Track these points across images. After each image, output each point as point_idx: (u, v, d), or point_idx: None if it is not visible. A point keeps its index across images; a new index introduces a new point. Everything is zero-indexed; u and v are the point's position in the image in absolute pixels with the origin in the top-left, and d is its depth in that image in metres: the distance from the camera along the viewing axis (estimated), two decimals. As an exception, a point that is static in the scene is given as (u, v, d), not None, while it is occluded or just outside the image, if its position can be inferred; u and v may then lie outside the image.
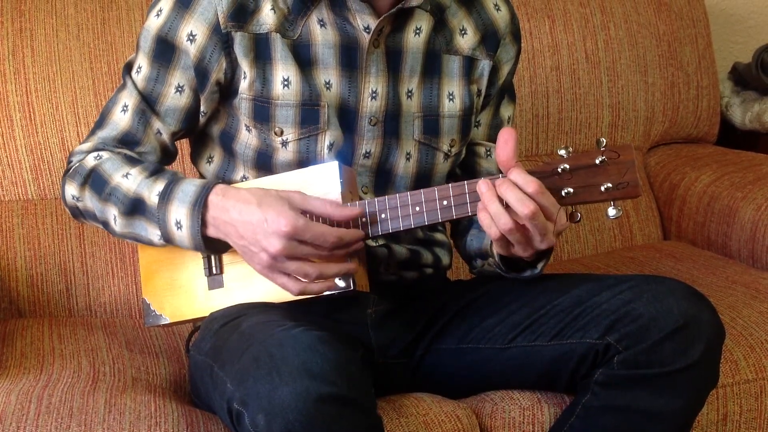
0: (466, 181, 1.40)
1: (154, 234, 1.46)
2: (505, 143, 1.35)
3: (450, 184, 1.41)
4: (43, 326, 1.79)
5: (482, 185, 1.36)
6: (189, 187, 1.43)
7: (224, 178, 1.56)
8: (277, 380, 1.23)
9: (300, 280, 1.41)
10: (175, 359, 1.69)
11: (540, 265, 1.48)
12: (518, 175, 1.34)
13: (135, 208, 1.46)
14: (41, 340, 1.71)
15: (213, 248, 1.45)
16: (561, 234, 1.38)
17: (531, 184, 1.33)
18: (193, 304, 1.52)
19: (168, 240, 1.45)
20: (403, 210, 1.42)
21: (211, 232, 1.43)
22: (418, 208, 1.42)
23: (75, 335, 1.74)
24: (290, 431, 1.21)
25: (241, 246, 1.41)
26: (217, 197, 1.42)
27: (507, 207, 1.35)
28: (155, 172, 1.47)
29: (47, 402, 1.45)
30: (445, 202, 1.41)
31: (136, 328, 1.82)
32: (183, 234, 1.43)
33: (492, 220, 1.35)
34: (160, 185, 1.45)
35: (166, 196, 1.43)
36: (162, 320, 1.54)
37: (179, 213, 1.42)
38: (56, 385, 1.51)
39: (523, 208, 1.33)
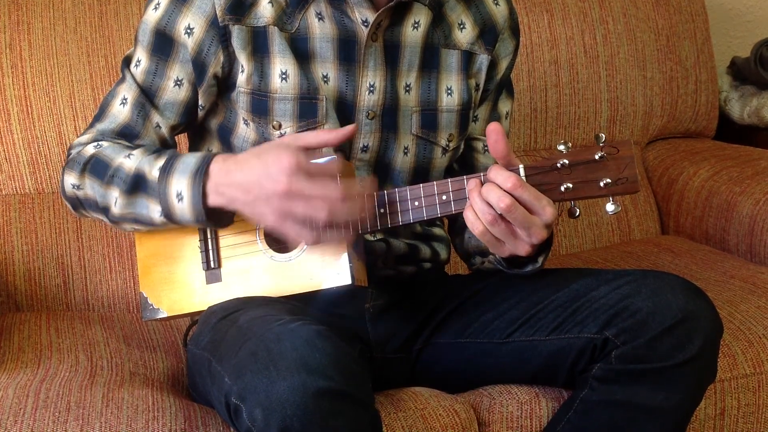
0: (465, 176, 1.40)
1: (155, 210, 1.45)
2: (496, 142, 1.35)
3: (449, 179, 1.41)
4: (40, 320, 1.79)
5: (470, 182, 1.36)
6: (190, 159, 1.43)
7: (222, 172, 1.56)
8: (274, 374, 1.22)
9: (313, 229, 1.38)
10: (173, 353, 1.69)
11: (540, 259, 1.48)
12: (496, 174, 1.35)
13: (136, 185, 1.45)
14: (39, 334, 1.71)
15: (214, 220, 1.44)
16: (553, 227, 1.38)
17: (508, 180, 1.33)
18: (190, 298, 1.52)
19: (169, 215, 1.44)
20: (402, 205, 1.42)
21: (213, 199, 1.41)
22: (417, 203, 1.42)
23: (72, 329, 1.74)
24: (288, 426, 1.21)
25: (250, 202, 1.38)
26: (217, 164, 1.41)
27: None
28: (157, 151, 1.47)
29: (45, 396, 1.44)
30: (444, 197, 1.41)
31: (133, 322, 1.82)
32: (184, 206, 1.42)
33: (477, 216, 1.35)
34: (161, 161, 1.44)
35: (167, 169, 1.43)
36: (159, 314, 1.54)
37: (180, 184, 1.42)
38: (54, 379, 1.51)
39: (499, 202, 1.33)
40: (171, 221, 1.45)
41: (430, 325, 1.58)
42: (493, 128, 1.35)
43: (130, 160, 1.46)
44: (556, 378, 1.52)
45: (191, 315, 1.55)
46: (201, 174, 1.40)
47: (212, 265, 1.50)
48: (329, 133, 1.39)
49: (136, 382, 1.53)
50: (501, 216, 1.34)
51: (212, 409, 1.44)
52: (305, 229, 1.37)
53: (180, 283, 1.52)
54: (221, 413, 1.37)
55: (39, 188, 1.94)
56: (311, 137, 1.39)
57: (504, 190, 1.33)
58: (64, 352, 1.63)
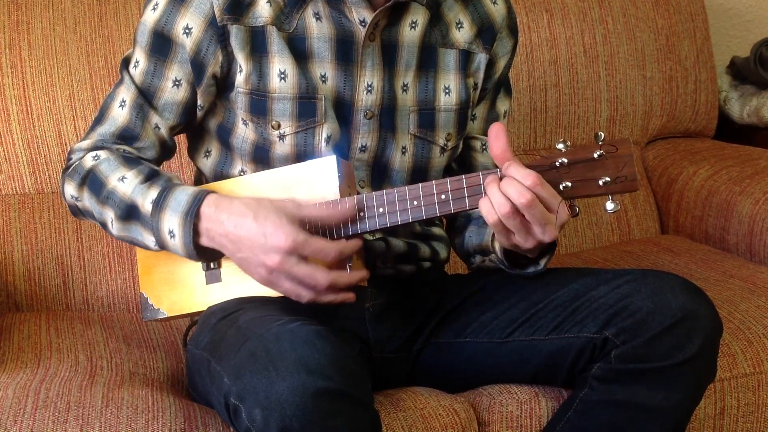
0: (464, 176, 1.40)
1: (149, 240, 1.46)
2: (497, 137, 1.36)
3: (448, 178, 1.41)
4: (40, 320, 1.79)
5: (488, 177, 1.37)
6: (181, 196, 1.43)
7: (222, 172, 1.56)
8: (273, 375, 1.22)
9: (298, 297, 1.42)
10: (173, 353, 1.69)
11: (543, 261, 1.48)
12: (516, 170, 1.35)
13: (130, 213, 1.46)
14: (38, 334, 1.71)
15: (206, 257, 1.46)
16: (563, 228, 1.38)
17: (529, 177, 1.33)
18: (190, 298, 1.52)
19: (162, 246, 1.46)
20: (401, 204, 1.42)
21: (205, 242, 1.43)
22: (416, 202, 1.42)
23: (72, 329, 1.74)
24: (287, 426, 1.21)
25: (238, 258, 1.42)
26: (209, 209, 1.41)
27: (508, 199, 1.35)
28: (150, 177, 1.47)
29: (44, 396, 1.44)
30: (443, 196, 1.41)
31: (133, 323, 1.82)
32: (176, 243, 1.43)
33: (492, 206, 1.35)
34: (153, 192, 1.45)
35: (159, 205, 1.43)
36: (160, 314, 1.54)
37: (172, 222, 1.42)
38: (53, 379, 1.51)
39: (520, 197, 1.33)
40: (166, 250, 1.46)
41: (429, 325, 1.58)
42: (497, 126, 1.36)
43: (123, 185, 1.46)
44: (556, 377, 1.52)
45: (191, 315, 1.55)
46: (192, 216, 1.41)
47: (212, 266, 1.50)
48: (332, 210, 1.40)
49: (135, 382, 1.53)
50: (517, 210, 1.34)
51: (212, 409, 1.44)
52: (291, 295, 1.41)
53: (180, 284, 1.53)
54: (221, 413, 1.37)
55: (39, 188, 1.94)
56: (313, 210, 1.40)
57: (525, 186, 1.33)
58: (64, 352, 1.63)
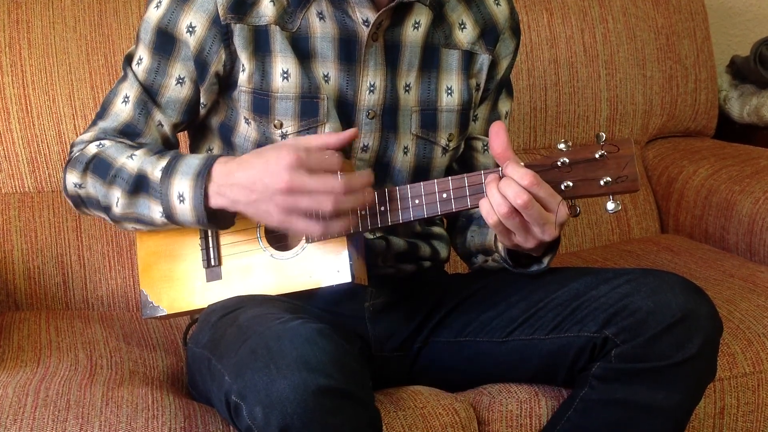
0: (465, 174, 1.40)
1: (156, 211, 1.45)
2: (497, 136, 1.36)
3: (449, 177, 1.41)
4: (40, 319, 1.79)
5: (489, 176, 1.37)
6: (193, 160, 1.43)
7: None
8: (274, 373, 1.23)
9: (319, 221, 1.37)
10: (173, 352, 1.69)
11: (546, 260, 1.48)
12: (514, 170, 1.35)
13: (138, 185, 1.45)
14: (38, 332, 1.71)
15: (215, 222, 1.44)
16: (563, 227, 1.38)
17: (526, 177, 1.34)
18: (191, 295, 1.52)
19: (170, 216, 1.44)
20: (403, 203, 1.42)
21: (216, 201, 1.41)
22: (417, 201, 1.42)
23: (72, 328, 1.74)
24: (288, 424, 1.21)
25: (252, 202, 1.38)
26: (220, 166, 1.41)
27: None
28: (160, 152, 1.47)
29: (44, 395, 1.44)
30: (444, 195, 1.41)
31: (133, 321, 1.82)
32: (185, 207, 1.42)
33: (492, 207, 1.35)
34: (163, 161, 1.44)
35: (169, 170, 1.43)
36: (159, 312, 1.54)
37: (182, 185, 1.42)
38: (53, 377, 1.51)
39: (516, 198, 1.33)
40: (172, 222, 1.45)
41: (429, 324, 1.58)
42: (497, 125, 1.36)
43: (132, 161, 1.46)
44: (556, 377, 1.52)
45: (191, 313, 1.55)
46: (203, 176, 1.40)
47: (213, 263, 1.50)
48: (331, 137, 1.39)
49: (135, 381, 1.53)
50: (516, 210, 1.34)
51: (212, 408, 1.44)
52: (312, 222, 1.37)
53: (180, 281, 1.53)
54: (221, 412, 1.37)
55: (38, 187, 1.94)
56: (313, 139, 1.39)
57: (522, 187, 1.33)
58: (64, 350, 1.63)
